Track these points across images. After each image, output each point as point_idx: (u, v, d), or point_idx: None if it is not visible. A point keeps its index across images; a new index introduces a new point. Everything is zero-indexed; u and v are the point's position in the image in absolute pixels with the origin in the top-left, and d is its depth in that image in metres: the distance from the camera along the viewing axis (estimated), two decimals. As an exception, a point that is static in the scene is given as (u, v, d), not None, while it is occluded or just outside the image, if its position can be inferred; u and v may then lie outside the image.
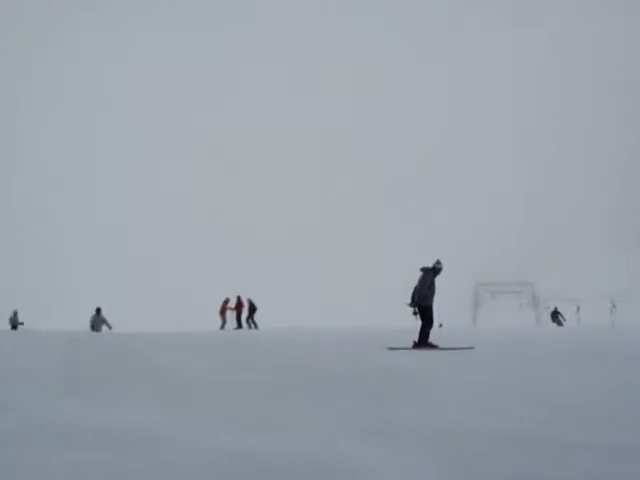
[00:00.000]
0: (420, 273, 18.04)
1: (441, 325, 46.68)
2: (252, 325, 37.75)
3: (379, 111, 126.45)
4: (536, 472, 4.61)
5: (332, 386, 9.43)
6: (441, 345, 17.28)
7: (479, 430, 6.21)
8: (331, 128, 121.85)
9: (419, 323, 17.78)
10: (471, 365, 12.83)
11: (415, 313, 17.82)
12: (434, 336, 18.06)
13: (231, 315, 38.39)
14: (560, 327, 46.24)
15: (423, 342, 17.44)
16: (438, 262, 18.13)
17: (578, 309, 65.09)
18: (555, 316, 49.63)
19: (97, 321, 33.35)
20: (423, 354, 15.53)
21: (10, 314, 39.53)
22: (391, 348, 16.63)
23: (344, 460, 4.81)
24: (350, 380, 10.06)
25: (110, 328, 32.91)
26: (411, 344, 17.35)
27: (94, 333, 29.12)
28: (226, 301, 38.80)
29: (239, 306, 38.26)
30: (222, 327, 37.86)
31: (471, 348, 16.60)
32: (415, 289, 17.91)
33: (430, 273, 17.88)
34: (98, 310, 33.72)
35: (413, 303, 17.82)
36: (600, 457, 5.15)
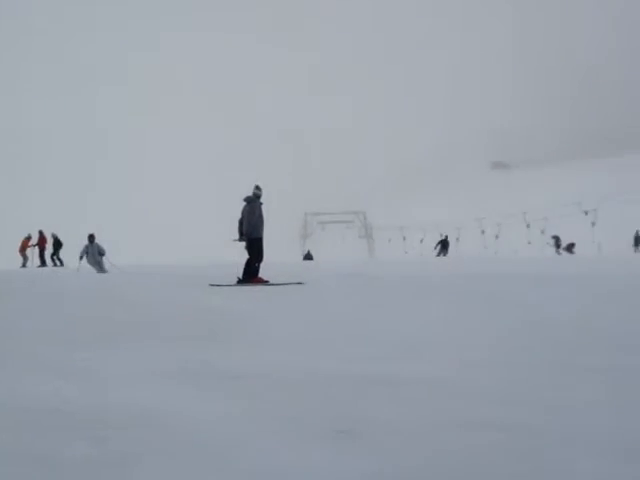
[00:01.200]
0: (244, 204, 16.39)
1: None
2: (57, 262, 34.46)
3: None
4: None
5: (142, 329, 8.79)
6: (272, 280, 16.15)
7: (295, 368, 6.01)
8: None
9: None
10: (298, 302, 12.21)
11: (247, 247, 16.52)
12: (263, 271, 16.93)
13: (34, 252, 35.22)
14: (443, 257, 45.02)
15: (254, 277, 16.25)
16: (257, 187, 16.69)
17: (422, 241, 65.50)
18: (445, 245, 47.57)
19: None
20: (249, 290, 14.50)
21: None
22: (213, 285, 15.03)
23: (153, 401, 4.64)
24: (165, 321, 9.67)
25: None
26: (235, 280, 15.80)
27: None
28: (28, 237, 35.47)
29: (42, 242, 34.93)
30: (24, 265, 35.09)
31: (301, 283, 15.54)
32: (241, 221, 16.44)
33: (256, 202, 16.36)
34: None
35: (243, 236, 16.48)
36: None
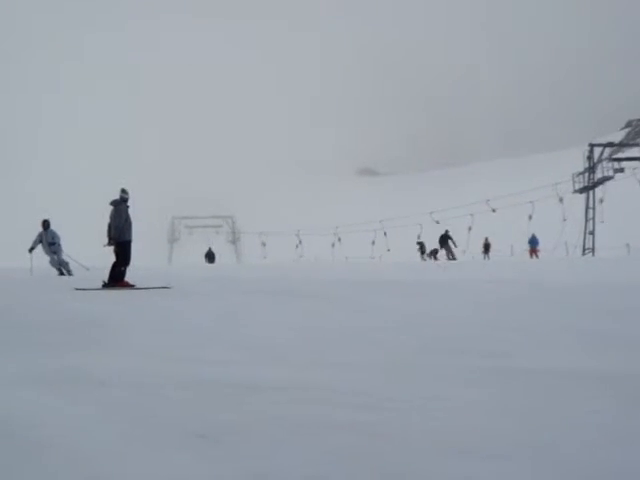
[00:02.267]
0: (111, 207, 16.24)
1: None
2: None
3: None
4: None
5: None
6: (137, 284, 15.98)
7: (144, 373, 6.11)
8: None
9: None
10: (161, 306, 12.24)
11: (115, 251, 16.30)
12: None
13: None
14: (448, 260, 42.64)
15: (119, 281, 16.02)
16: (124, 191, 16.53)
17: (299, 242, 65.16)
18: (445, 241, 44.89)
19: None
20: (116, 294, 14.29)
21: None
22: (78, 289, 14.76)
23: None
24: (28, 327, 9.32)
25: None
26: (101, 284, 15.57)
27: None
28: None
29: None
30: None
31: (167, 287, 15.47)
32: (109, 225, 16.29)
33: (123, 205, 16.19)
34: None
35: (111, 240, 16.30)
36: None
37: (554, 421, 4.74)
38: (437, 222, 56.35)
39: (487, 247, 49.30)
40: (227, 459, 3.66)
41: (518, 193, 58.33)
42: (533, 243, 47.65)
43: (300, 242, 49.86)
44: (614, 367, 6.96)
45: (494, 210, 54.10)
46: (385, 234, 59.02)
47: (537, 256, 46.54)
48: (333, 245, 60.35)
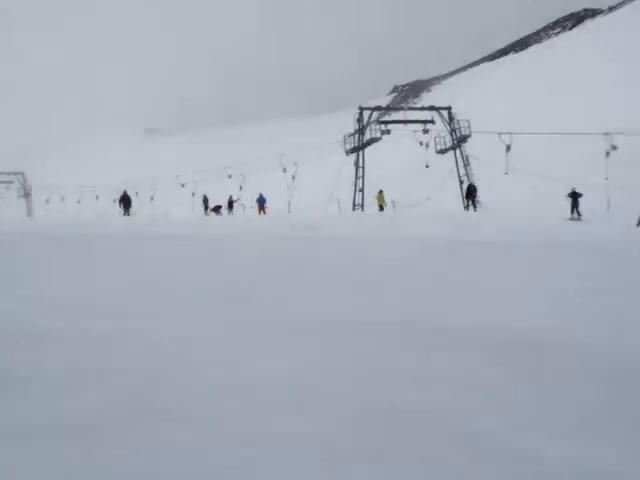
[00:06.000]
0: None
1: None
2: None
3: None
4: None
5: None
6: None
7: None
8: None
9: None
10: None
11: None
12: None
13: None
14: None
15: None
16: None
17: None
18: (472, 193, 44.92)
19: None
20: None
21: None
22: None
23: None
24: None
25: None
26: None
27: None
28: None
29: None
30: None
31: None
32: None
33: None
34: None
35: None
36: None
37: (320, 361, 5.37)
38: (230, 176, 58.37)
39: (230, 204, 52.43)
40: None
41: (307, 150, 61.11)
42: (260, 202, 49.94)
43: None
44: (374, 314, 7.49)
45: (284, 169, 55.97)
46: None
47: (265, 212, 48.81)
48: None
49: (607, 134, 43.20)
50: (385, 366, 5.27)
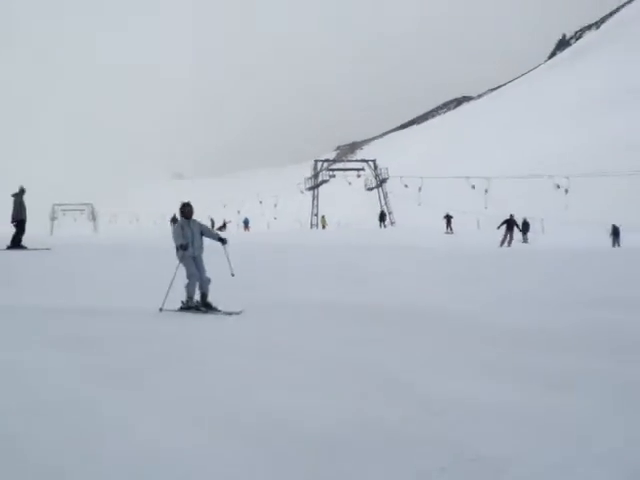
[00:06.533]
0: (12, 198, 16.51)
1: None
2: None
3: None
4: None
5: None
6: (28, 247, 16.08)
7: None
8: None
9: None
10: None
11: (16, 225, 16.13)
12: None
13: None
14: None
15: (16, 244, 16.07)
16: (21, 188, 16.42)
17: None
18: (383, 217, 42.42)
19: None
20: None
21: None
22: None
23: None
24: None
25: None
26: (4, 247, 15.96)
27: None
28: None
29: None
30: None
31: (48, 249, 15.68)
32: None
33: (19, 196, 16.31)
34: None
35: (13, 220, 16.15)
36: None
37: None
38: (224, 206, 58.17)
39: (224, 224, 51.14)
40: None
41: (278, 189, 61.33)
42: (245, 222, 48.76)
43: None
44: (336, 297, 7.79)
45: (260, 202, 56.65)
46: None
47: (249, 230, 47.43)
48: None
49: (467, 178, 45.19)
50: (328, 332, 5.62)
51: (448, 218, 36.06)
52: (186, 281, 6.86)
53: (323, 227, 47.51)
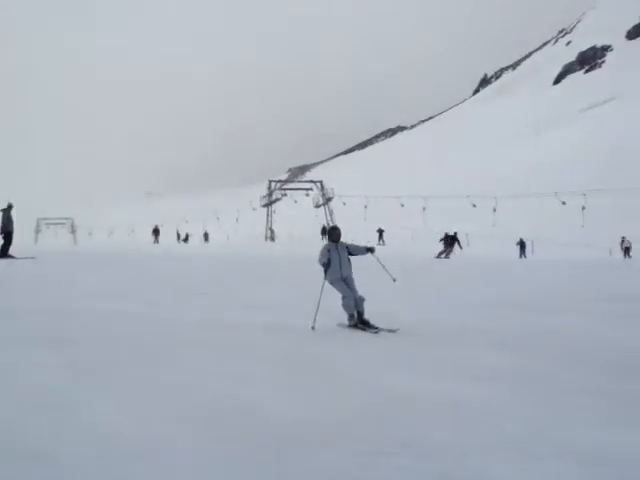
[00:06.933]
0: (0, 213, 15.84)
1: None
2: None
3: None
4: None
5: None
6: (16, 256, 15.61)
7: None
8: None
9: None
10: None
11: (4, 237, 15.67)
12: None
13: None
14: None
15: (4, 254, 15.65)
16: (9, 203, 15.84)
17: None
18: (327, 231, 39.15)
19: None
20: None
21: None
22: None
23: None
24: None
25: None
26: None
27: None
28: None
29: None
30: None
31: (33, 258, 15.35)
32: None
33: (7, 211, 15.75)
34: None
35: (1, 232, 15.62)
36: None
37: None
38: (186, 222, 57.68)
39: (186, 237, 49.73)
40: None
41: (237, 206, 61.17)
42: (205, 235, 48.15)
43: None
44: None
45: (218, 218, 56.83)
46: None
47: (208, 241, 46.42)
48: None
49: (398, 197, 46.23)
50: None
51: (380, 232, 36.00)
52: (341, 302, 6.16)
53: (272, 239, 47.11)
